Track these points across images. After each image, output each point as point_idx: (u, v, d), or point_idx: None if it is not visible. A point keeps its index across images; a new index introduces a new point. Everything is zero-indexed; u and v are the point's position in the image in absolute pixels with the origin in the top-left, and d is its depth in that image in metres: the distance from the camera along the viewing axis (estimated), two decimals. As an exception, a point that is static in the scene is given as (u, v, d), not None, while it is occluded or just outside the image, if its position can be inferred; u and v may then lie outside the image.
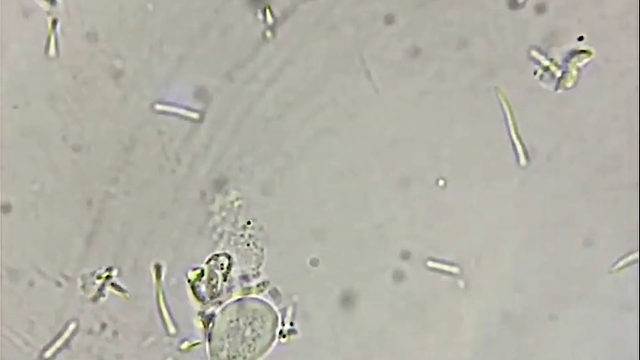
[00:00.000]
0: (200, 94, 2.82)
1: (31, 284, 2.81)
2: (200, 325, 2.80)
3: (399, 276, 2.88)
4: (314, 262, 2.85)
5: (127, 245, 2.82)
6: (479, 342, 2.90)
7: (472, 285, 2.89)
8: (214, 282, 2.79)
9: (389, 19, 2.82)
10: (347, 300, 2.87)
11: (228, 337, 2.79)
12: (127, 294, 2.81)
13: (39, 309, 2.82)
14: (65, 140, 2.81)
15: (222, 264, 2.80)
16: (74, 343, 2.83)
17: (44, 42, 2.78)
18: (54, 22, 2.76)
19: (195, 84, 2.82)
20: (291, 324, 2.84)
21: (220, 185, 2.83)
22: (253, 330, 2.80)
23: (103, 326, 2.83)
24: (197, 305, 2.81)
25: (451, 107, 2.86)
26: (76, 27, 2.79)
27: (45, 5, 2.76)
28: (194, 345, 2.80)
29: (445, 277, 2.89)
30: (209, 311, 2.80)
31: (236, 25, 2.81)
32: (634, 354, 2.87)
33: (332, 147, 2.87)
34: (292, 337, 2.85)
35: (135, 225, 2.83)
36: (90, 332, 2.83)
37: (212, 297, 2.79)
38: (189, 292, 2.81)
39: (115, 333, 2.83)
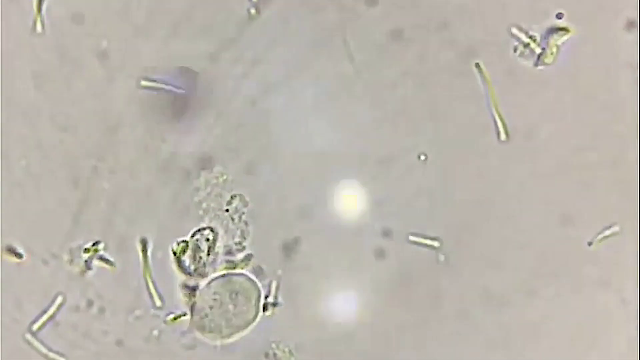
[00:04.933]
0: (185, 73, 2.84)
1: (18, 261, 2.83)
2: (184, 297, 2.83)
3: (380, 253, 2.90)
4: (298, 240, 2.88)
5: (113, 223, 2.84)
6: (458, 317, 2.92)
7: (452, 260, 2.91)
8: (198, 255, 2.82)
9: (371, 2, 2.85)
10: (330, 277, 2.89)
11: (211, 308, 2.81)
12: (115, 267, 2.83)
13: (26, 287, 2.84)
14: (51, 119, 2.83)
15: (207, 238, 2.82)
16: (61, 320, 2.85)
17: (30, 22, 2.80)
18: (40, 2, 2.78)
19: (180, 63, 2.84)
20: (275, 297, 2.86)
21: (205, 164, 2.85)
22: (236, 305, 2.82)
23: (90, 303, 2.84)
24: (181, 278, 2.83)
25: (432, 87, 2.88)
26: (62, 7, 2.81)
27: (31, -16, 2.79)
28: (178, 317, 2.82)
29: (426, 252, 2.90)
30: (192, 283, 2.82)
31: (221, 5, 2.84)
32: (610, 330, 2.91)
33: (315, 127, 2.89)
34: (276, 311, 2.87)
35: (122, 203, 2.84)
36: (76, 309, 2.85)
37: (196, 270, 2.82)
38: (174, 264, 2.83)
39: (101, 310, 2.85)
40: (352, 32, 2.87)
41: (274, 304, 2.85)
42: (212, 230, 2.83)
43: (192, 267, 2.82)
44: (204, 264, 2.82)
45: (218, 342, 2.82)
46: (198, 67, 2.84)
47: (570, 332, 2.91)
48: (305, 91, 2.89)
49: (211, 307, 2.80)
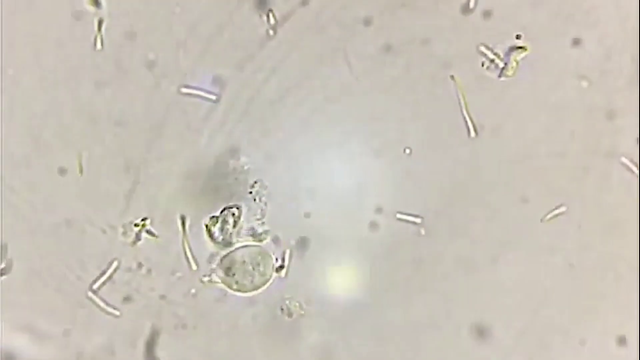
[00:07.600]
0: (217, 80, 3.02)
1: (83, 231, 3.02)
2: (216, 264, 3.02)
3: (373, 227, 3.08)
4: (307, 215, 3.06)
5: (158, 201, 3.02)
6: (436, 279, 3.10)
7: (431, 233, 3.08)
8: (225, 227, 2.97)
9: (367, 22, 3.03)
10: (332, 245, 3.07)
11: (244, 263, 2.99)
12: (159, 239, 3.01)
13: (88, 251, 3.03)
14: (109, 117, 2.99)
15: (233, 213, 2.98)
16: (116, 278, 3.03)
17: (92, 39, 2.99)
18: (100, 23, 2.97)
19: (213, 72, 3.01)
20: (288, 261, 3.05)
21: (232, 153, 3.01)
22: (254, 268, 3.00)
23: (139, 265, 3.03)
24: (211, 246, 3.00)
25: (416, 92, 3.05)
26: (117, 26, 2.99)
27: (92, 9, 2.98)
28: (211, 281, 3.03)
29: (410, 227, 3.07)
30: (224, 252, 3.01)
31: (245, 25, 3.01)
32: (557, 289, 3.11)
33: (321, 124, 3.06)
34: (288, 272, 3.05)
35: (165, 185, 3.02)
36: (129, 269, 3.03)
37: (223, 240, 2.99)
38: (206, 235, 2.99)
39: (149, 270, 3.03)
40: (351, 47, 3.04)
41: (287, 267, 3.04)
42: (237, 207, 2.98)
43: (220, 237, 2.99)
44: (230, 235, 2.98)
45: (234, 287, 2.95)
46: (227, 74, 3.00)
47: (526, 290, 3.10)
48: (312, 95, 3.05)
49: (243, 262, 2.99)
